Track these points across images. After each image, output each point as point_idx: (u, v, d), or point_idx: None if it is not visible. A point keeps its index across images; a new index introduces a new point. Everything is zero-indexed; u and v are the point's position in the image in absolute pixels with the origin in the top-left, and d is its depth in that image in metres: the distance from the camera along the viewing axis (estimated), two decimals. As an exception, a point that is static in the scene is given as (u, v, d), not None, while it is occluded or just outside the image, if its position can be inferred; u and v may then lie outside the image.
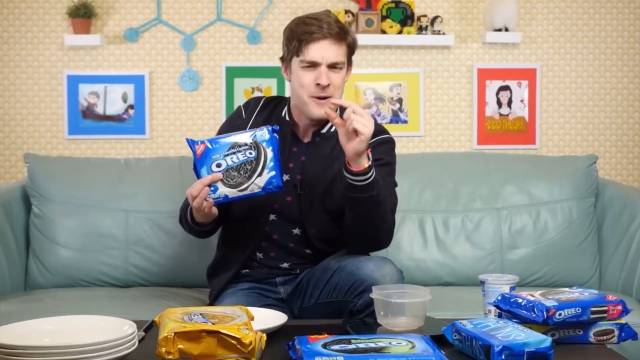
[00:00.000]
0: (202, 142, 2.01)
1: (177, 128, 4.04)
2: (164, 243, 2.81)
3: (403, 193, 2.49)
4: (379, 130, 2.35)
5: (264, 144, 2.03)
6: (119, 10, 4.03)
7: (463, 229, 2.89)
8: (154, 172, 2.92)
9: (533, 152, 4.07)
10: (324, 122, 2.31)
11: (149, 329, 1.82)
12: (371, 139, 2.22)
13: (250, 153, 2.02)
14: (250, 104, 2.39)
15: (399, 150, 2.96)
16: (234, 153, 2.01)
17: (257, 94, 4.06)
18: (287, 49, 2.25)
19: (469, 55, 4.15)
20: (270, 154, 2.04)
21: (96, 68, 4.04)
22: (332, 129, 2.32)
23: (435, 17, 4.05)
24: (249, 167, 2.02)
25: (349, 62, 2.29)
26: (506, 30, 4.05)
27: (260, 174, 2.03)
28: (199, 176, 2.03)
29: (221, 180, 2.02)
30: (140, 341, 1.68)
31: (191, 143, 2.02)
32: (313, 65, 2.20)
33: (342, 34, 2.21)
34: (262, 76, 4.06)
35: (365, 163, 2.05)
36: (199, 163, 2.01)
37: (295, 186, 2.28)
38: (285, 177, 2.26)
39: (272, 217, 2.29)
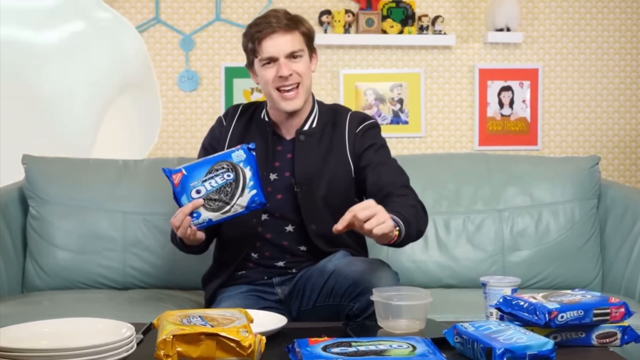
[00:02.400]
0: (179, 171, 2.01)
1: (175, 129, 4.05)
2: (162, 245, 2.80)
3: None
4: (362, 117, 2.38)
5: (241, 165, 2.03)
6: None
7: (464, 230, 2.89)
8: (152, 173, 2.92)
9: (535, 153, 4.08)
10: (305, 118, 2.34)
11: (148, 331, 1.83)
12: (357, 126, 2.32)
13: (229, 175, 2.02)
14: (229, 112, 2.41)
15: (399, 151, 2.98)
16: (212, 177, 2.01)
17: (256, 94, 4.07)
18: (247, 54, 2.30)
19: (471, 55, 4.16)
20: (248, 173, 2.04)
21: (94, 68, 4.03)
22: (314, 125, 2.34)
23: (437, 17, 4.06)
24: (229, 190, 2.03)
25: (311, 50, 2.32)
26: (508, 30, 4.06)
27: (241, 195, 2.03)
28: (180, 205, 2.04)
29: (203, 205, 2.02)
30: (138, 344, 1.68)
31: (168, 173, 2.02)
32: (272, 60, 2.23)
33: (291, 24, 2.24)
34: None
35: (394, 234, 1.97)
36: (178, 192, 2.01)
37: (289, 184, 2.28)
38: (273, 176, 2.29)
39: (264, 216, 2.31)
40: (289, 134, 2.35)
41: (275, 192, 2.30)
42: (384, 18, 4.09)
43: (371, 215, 1.88)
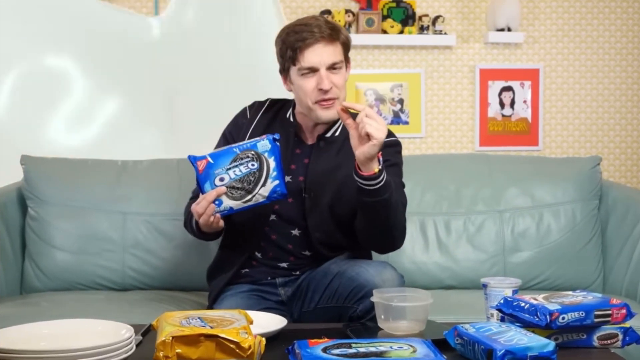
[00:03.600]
0: (204, 158, 2.03)
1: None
2: (162, 246, 2.80)
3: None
4: (387, 133, 2.35)
5: (266, 155, 2.05)
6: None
7: (465, 231, 2.89)
8: (152, 174, 2.92)
9: (536, 153, 4.08)
10: (330, 125, 2.32)
11: (147, 333, 1.83)
12: None
13: (253, 164, 2.04)
14: (255, 105, 2.40)
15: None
16: (237, 166, 2.03)
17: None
18: (283, 60, 2.26)
19: (471, 55, 4.16)
20: (272, 163, 2.07)
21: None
22: (337, 133, 2.33)
23: (437, 17, 4.06)
24: (252, 179, 2.05)
25: (347, 60, 2.29)
26: (509, 30, 4.06)
27: (264, 184, 2.06)
28: (202, 191, 2.06)
29: (225, 193, 2.05)
30: (137, 345, 1.68)
31: (193, 160, 2.03)
32: (312, 70, 2.20)
33: (334, 34, 2.22)
34: None
35: (375, 167, 2.06)
36: (202, 179, 2.03)
37: (300, 189, 2.28)
38: (287, 179, 2.26)
39: (272, 217, 2.30)
40: (311, 138, 2.34)
41: (288, 196, 2.28)
42: (384, 18, 4.09)
43: (377, 122, 2.03)
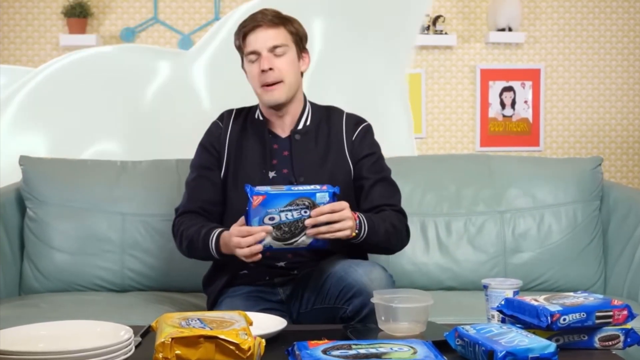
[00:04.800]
0: (261, 194, 2.00)
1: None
2: (161, 247, 2.80)
3: (404, 196, 2.48)
4: (357, 119, 2.44)
5: (321, 205, 2.04)
6: (115, 9, 4.05)
7: (466, 232, 2.89)
8: (151, 174, 2.92)
9: (537, 154, 4.08)
10: (297, 117, 2.39)
11: (146, 334, 1.83)
12: (354, 129, 2.40)
13: (305, 212, 2.03)
14: (224, 116, 2.46)
15: (399, 151, 2.97)
16: (290, 210, 2.02)
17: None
18: (238, 51, 2.36)
19: (472, 55, 4.17)
20: None
21: (92, 68, 4.01)
22: (308, 122, 2.40)
23: (438, 17, 4.07)
24: (301, 225, 2.04)
25: (300, 49, 2.36)
26: (509, 30, 4.07)
27: None
28: (248, 223, 2.05)
29: (270, 232, 2.04)
30: (137, 347, 1.68)
31: (250, 192, 2.02)
32: (255, 54, 2.29)
33: (276, 20, 2.29)
34: None
35: (352, 233, 2.12)
36: (252, 213, 2.02)
37: (289, 182, 2.30)
38: (272, 174, 2.32)
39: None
40: (283, 132, 2.39)
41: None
42: (384, 18, 4.08)
43: (340, 226, 2.06)
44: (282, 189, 2.04)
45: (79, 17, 3.98)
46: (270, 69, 2.26)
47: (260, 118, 2.41)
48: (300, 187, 2.05)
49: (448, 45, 4.14)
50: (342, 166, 2.36)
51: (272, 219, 2.02)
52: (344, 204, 2.06)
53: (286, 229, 2.03)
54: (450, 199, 2.94)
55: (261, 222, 2.02)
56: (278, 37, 2.29)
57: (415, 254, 2.87)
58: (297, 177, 2.32)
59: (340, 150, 2.37)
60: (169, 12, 4.10)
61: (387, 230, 2.23)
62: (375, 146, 2.42)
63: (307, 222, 2.02)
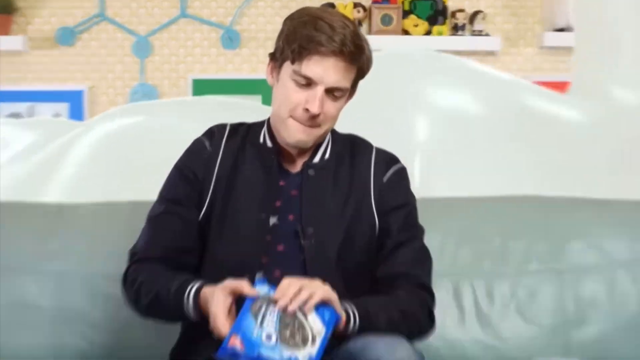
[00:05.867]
0: (231, 336, 2.08)
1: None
2: (111, 317, 2.79)
3: (432, 249, 2.51)
4: (389, 158, 2.50)
5: (271, 293, 2.14)
6: (48, 4, 4.09)
7: (513, 298, 2.89)
8: (97, 220, 2.93)
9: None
10: (314, 148, 2.41)
11: None
12: (385, 170, 2.44)
13: (273, 308, 2.12)
14: (214, 132, 2.47)
15: (425, 191, 2.98)
16: (264, 317, 2.11)
17: None
18: (283, 48, 2.32)
19: (522, 63, 4.22)
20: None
21: (18, 81, 4.09)
22: (327, 156, 2.43)
23: (476, 13, 4.12)
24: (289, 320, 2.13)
25: (353, 88, 2.39)
26: (570, 30, 4.09)
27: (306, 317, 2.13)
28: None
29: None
30: None
31: (225, 352, 2.09)
32: (308, 82, 2.28)
33: (356, 55, 2.29)
34: (243, 92, 4.21)
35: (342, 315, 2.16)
36: (250, 351, 2.09)
37: (295, 232, 2.34)
38: (273, 220, 2.33)
39: (259, 275, 2.31)
40: (294, 165, 2.42)
41: (276, 242, 2.35)
42: (405, 14, 4.20)
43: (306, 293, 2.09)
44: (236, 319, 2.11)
45: (1, 14, 3.99)
46: (318, 114, 2.28)
47: (268, 144, 2.41)
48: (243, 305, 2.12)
49: (490, 51, 4.19)
50: (366, 218, 2.39)
51: (268, 336, 2.09)
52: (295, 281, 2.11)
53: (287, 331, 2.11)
54: (492, 255, 2.96)
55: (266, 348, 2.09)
56: (346, 78, 2.30)
57: (446, 327, 2.85)
58: (305, 226, 2.33)
59: (365, 196, 2.40)
60: (120, 7, 4.15)
61: (390, 320, 2.23)
62: (409, 196, 2.46)
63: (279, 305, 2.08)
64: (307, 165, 2.40)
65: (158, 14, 4.20)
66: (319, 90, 2.27)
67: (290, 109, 2.30)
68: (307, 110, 2.28)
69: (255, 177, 2.37)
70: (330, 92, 2.29)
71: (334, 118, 2.35)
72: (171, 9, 4.21)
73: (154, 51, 4.19)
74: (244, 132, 2.46)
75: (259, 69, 4.19)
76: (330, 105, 2.30)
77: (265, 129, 2.44)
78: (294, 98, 2.29)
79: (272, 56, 2.38)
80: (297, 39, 2.27)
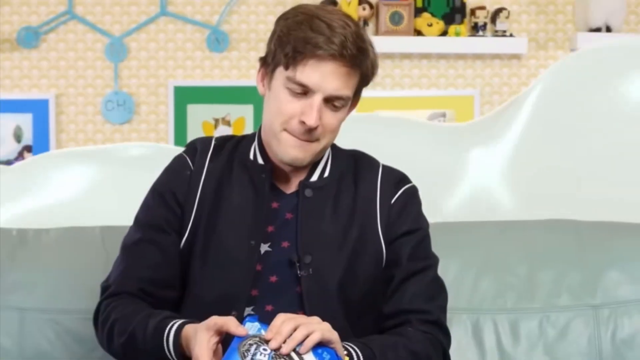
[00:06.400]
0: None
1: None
2: (79, 358, 2.79)
3: (449, 281, 2.54)
4: (398, 177, 2.49)
5: (262, 332, 2.12)
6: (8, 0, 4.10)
7: (542, 337, 2.88)
8: (64, 249, 2.93)
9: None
10: (310, 165, 2.40)
11: None
12: (394, 191, 2.44)
13: (264, 349, 2.10)
14: (197, 147, 2.46)
15: (441, 214, 3.01)
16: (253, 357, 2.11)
17: (222, 129, 4.22)
18: (275, 51, 2.31)
19: (552, 69, 4.22)
20: None
21: (-26, 89, 4.02)
22: (326, 174, 2.43)
23: (499, 10, 4.11)
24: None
25: (356, 97, 2.39)
26: (608, 30, 4.09)
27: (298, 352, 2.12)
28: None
29: None
30: None
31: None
32: (304, 90, 2.26)
33: (359, 58, 2.27)
34: (232, 101, 4.25)
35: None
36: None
37: (290, 262, 2.33)
38: (264, 248, 2.32)
39: (248, 309, 2.33)
40: (289, 184, 2.41)
41: (267, 272, 2.34)
42: (418, 11, 4.24)
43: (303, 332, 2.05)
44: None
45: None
46: (316, 127, 2.27)
47: (259, 160, 2.41)
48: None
49: (515, 54, 4.20)
50: (371, 246, 2.39)
51: None
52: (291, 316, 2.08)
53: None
54: (518, 287, 2.96)
55: None
56: (347, 85, 2.29)
57: (464, 370, 2.88)
58: (301, 254, 2.32)
59: (370, 220, 2.39)
60: (91, 4, 4.14)
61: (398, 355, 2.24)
62: (421, 220, 2.45)
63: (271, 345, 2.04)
64: (304, 184, 2.39)
65: (135, 12, 4.20)
66: (317, 99, 2.26)
67: (283, 121, 2.29)
68: (302, 122, 2.26)
69: (244, 198, 2.36)
70: (329, 101, 2.28)
71: (335, 131, 2.34)
72: (150, 6, 4.21)
73: (130, 54, 4.20)
74: (231, 148, 2.46)
75: (251, 75, 4.21)
76: (329, 117, 2.29)
77: (255, 144, 2.43)
78: (288, 109, 2.28)
79: (263, 61, 2.36)
80: (291, 41, 2.26)
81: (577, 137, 3.32)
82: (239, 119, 4.22)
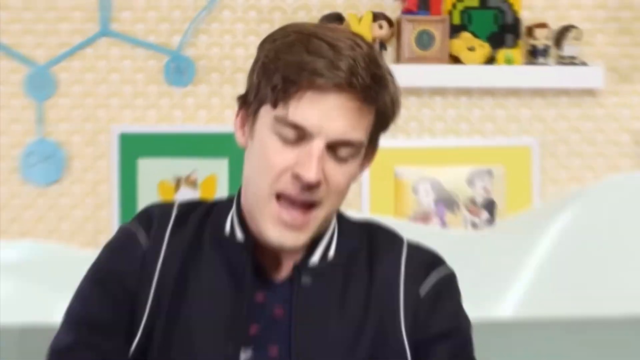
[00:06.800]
0: None
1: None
2: None
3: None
4: (429, 260, 2.43)
5: None
6: None
7: None
8: None
9: None
10: (313, 241, 2.34)
11: None
12: (422, 279, 2.37)
13: None
14: (153, 217, 2.43)
15: (487, 306, 2.98)
16: None
17: (186, 192, 4.23)
18: (259, 84, 2.25)
19: (638, 109, 4.25)
20: None
21: None
22: (331, 254, 2.37)
23: (566, 29, 4.14)
24: None
25: (372, 145, 2.36)
26: None
27: None
28: None
29: None
30: None
31: None
32: (300, 135, 2.19)
33: (374, 89, 2.20)
34: (199, 154, 4.25)
35: None
36: None
37: None
38: (245, 355, 2.27)
39: None
40: (278, 269, 2.36)
41: None
42: (455, 30, 4.25)
43: None
44: None
45: None
46: (317, 183, 2.18)
47: (238, 236, 2.36)
48: None
49: (588, 89, 4.25)
50: (392, 350, 2.34)
51: None
52: None
53: None
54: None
55: None
56: (359, 126, 2.22)
57: None
58: None
59: (390, 317, 2.35)
60: (7, 22, 4.15)
61: None
62: (461, 318, 2.41)
63: None
64: (300, 268, 2.34)
65: (65, 31, 4.22)
66: (317, 145, 2.18)
67: (273, 180, 2.21)
68: (298, 176, 2.18)
69: (218, 288, 2.30)
70: (334, 149, 2.21)
71: (342, 192, 2.27)
72: (86, 23, 4.23)
73: (59, 89, 4.22)
74: (200, 218, 2.42)
75: (225, 118, 4.22)
76: (335, 171, 2.22)
77: (233, 212, 2.40)
78: (278, 161, 2.20)
79: (243, 100, 2.30)
80: (280, 68, 2.19)
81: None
82: (208, 178, 4.24)
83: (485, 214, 4.30)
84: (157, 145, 4.22)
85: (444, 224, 4.26)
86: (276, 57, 2.21)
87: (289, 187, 2.20)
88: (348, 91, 2.16)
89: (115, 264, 2.37)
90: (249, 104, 2.27)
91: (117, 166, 4.24)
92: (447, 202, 4.28)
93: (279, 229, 2.23)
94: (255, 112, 2.24)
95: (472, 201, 4.29)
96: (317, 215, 2.24)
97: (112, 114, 4.21)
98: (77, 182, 4.25)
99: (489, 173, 4.31)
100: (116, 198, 4.24)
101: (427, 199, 4.28)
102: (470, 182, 4.29)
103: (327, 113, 2.18)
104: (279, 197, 2.20)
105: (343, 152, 2.21)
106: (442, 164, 4.30)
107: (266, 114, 2.21)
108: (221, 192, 4.24)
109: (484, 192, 4.30)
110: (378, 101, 2.23)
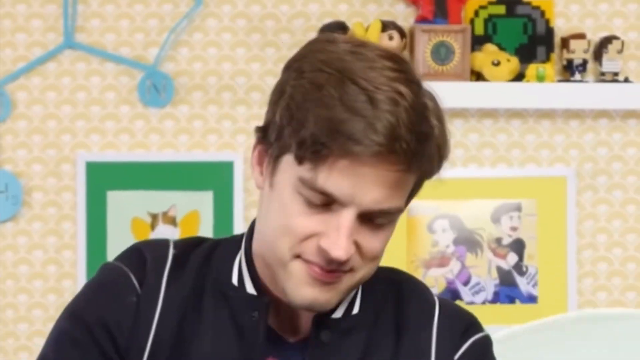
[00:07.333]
0: None
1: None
2: None
3: None
4: (465, 321, 2.30)
5: None
6: None
7: None
8: None
9: None
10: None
11: None
12: (459, 343, 2.22)
13: None
14: (147, 257, 2.23)
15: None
16: None
17: (164, 230, 4.05)
18: (282, 127, 2.08)
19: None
20: None
21: None
22: (355, 309, 2.22)
23: (608, 40, 4.09)
24: None
25: (413, 194, 2.19)
26: None
27: None
28: None
29: None
30: None
31: None
32: (328, 201, 2.03)
33: (418, 154, 2.04)
34: (178, 186, 4.08)
35: None
36: None
37: None
38: None
39: None
40: (294, 326, 2.22)
41: None
42: (478, 42, 4.10)
43: None
44: None
45: None
46: (347, 259, 2.04)
47: (248, 288, 2.20)
48: None
49: (632, 110, 4.06)
50: None
51: None
52: None
53: None
54: None
55: None
56: (397, 195, 2.06)
57: None
58: None
59: None
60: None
61: None
62: None
63: None
64: (319, 323, 2.19)
65: (23, 43, 4.09)
66: (347, 216, 2.02)
67: (293, 244, 2.06)
68: (323, 250, 2.02)
69: (222, 347, 2.14)
70: (368, 217, 2.05)
71: (378, 257, 2.11)
72: (47, 33, 4.07)
73: (15, 111, 4.05)
74: (201, 260, 2.23)
75: (208, 144, 4.08)
76: (368, 238, 2.06)
77: (241, 257, 2.24)
78: (300, 226, 2.05)
79: (263, 134, 2.12)
80: (309, 122, 2.00)
81: None
82: (189, 215, 4.06)
83: (513, 257, 4.12)
84: (130, 176, 4.04)
85: (464, 267, 4.13)
86: (304, 102, 2.01)
87: (314, 257, 2.03)
88: (388, 158, 1.98)
89: (104, 308, 2.16)
90: (269, 143, 2.08)
91: (83, 200, 4.06)
92: (468, 242, 4.13)
93: (308, 286, 2.07)
94: (277, 159, 2.06)
95: (498, 241, 4.12)
96: (349, 283, 2.09)
97: (77, 140, 4.09)
98: (37, 218, 4.08)
99: (517, 208, 4.14)
100: (83, 237, 4.05)
101: (445, 239, 4.12)
102: (496, 218, 4.13)
103: (362, 182, 2.01)
104: (300, 258, 2.04)
105: (378, 220, 2.04)
106: (462, 197, 4.14)
107: (290, 168, 2.03)
108: (204, 231, 4.13)
109: (511, 231, 4.14)
110: (422, 165, 2.05)
